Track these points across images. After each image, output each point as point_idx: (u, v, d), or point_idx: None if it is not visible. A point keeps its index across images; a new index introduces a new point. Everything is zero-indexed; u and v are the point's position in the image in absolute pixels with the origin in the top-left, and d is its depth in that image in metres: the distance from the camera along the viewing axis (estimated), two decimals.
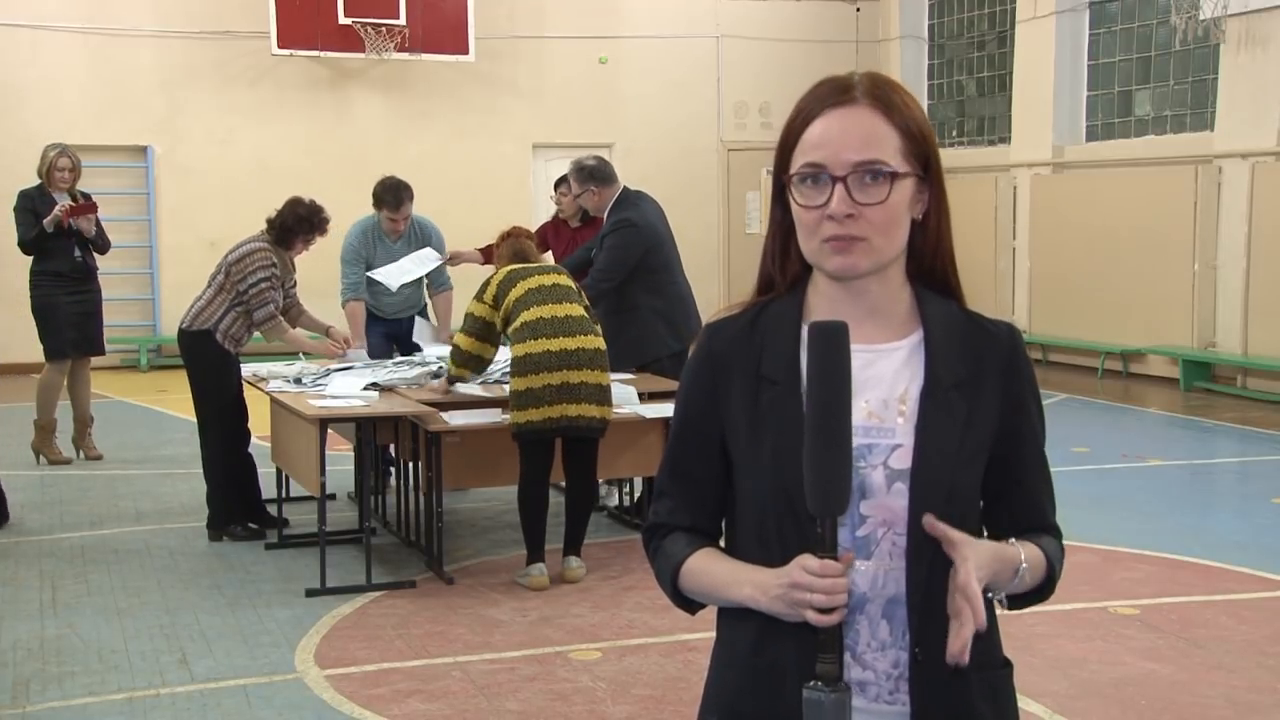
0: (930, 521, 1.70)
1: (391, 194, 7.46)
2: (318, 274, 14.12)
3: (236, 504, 6.84)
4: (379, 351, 7.49)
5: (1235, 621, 5.41)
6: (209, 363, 6.78)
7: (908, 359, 1.80)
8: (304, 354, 7.33)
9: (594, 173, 7.13)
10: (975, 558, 1.68)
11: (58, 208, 8.29)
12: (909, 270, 1.82)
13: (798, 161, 1.75)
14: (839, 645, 1.66)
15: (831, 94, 1.76)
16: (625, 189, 7.16)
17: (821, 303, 1.81)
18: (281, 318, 6.91)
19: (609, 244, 6.95)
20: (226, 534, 6.79)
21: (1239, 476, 9.07)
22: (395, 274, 7.43)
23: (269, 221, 6.93)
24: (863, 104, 1.74)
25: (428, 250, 7.54)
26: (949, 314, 1.83)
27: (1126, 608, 5.57)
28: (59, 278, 8.53)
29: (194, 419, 7.01)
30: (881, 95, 1.75)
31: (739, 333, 1.84)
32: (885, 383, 1.78)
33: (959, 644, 1.65)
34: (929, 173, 1.78)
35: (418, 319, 7.64)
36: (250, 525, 6.84)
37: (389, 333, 7.74)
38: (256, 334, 6.98)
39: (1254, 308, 11.60)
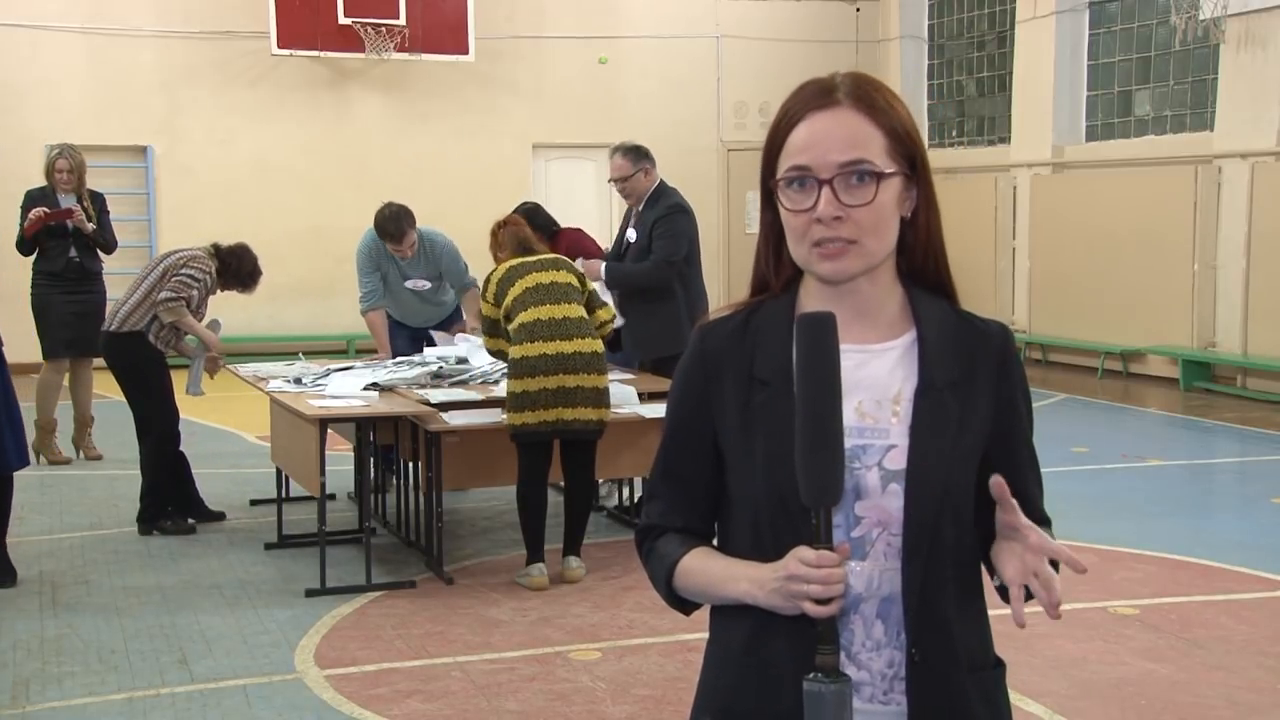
0: (999, 483, 1.68)
1: (392, 224, 7.19)
2: (318, 273, 14.24)
3: (173, 499, 6.97)
4: (407, 353, 7.46)
5: (1235, 621, 5.42)
6: (150, 363, 6.88)
7: (901, 359, 1.79)
8: (185, 347, 7.15)
9: (648, 153, 7.08)
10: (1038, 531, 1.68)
11: (32, 213, 8.31)
12: (900, 268, 1.82)
13: (783, 166, 1.75)
14: (837, 637, 1.66)
15: (814, 97, 1.76)
16: (663, 180, 7.13)
17: (813, 303, 1.80)
18: (185, 304, 6.85)
19: (665, 229, 6.86)
20: (158, 529, 6.90)
21: (1239, 476, 9.07)
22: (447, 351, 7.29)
23: (220, 254, 7.02)
24: (846, 105, 1.74)
25: (443, 335, 7.50)
26: (941, 313, 1.82)
27: (1126, 608, 5.58)
28: (54, 277, 8.55)
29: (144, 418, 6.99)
30: (864, 96, 1.75)
31: (731, 333, 1.84)
32: (879, 383, 1.78)
33: (1054, 598, 1.65)
34: (916, 170, 1.78)
35: (433, 333, 7.58)
36: (188, 520, 6.96)
37: (415, 334, 7.71)
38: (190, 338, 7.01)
39: (1254, 308, 11.60)
